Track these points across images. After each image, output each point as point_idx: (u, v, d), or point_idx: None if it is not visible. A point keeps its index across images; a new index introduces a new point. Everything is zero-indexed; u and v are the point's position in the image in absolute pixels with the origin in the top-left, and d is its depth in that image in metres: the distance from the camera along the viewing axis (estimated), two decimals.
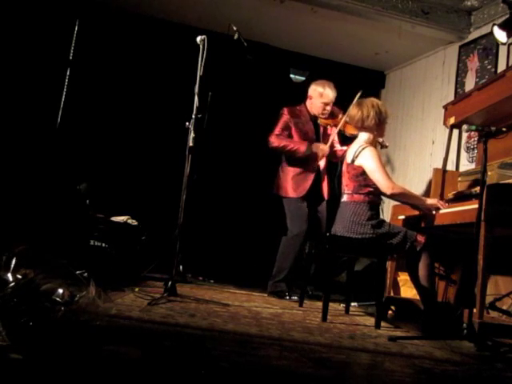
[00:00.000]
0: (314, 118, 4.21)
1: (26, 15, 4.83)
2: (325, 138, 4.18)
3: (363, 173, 3.19)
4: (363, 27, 5.05)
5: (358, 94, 3.87)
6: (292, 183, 4.13)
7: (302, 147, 4.06)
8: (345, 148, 4.04)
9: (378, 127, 3.32)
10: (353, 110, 3.39)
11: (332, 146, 4.15)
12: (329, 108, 4.15)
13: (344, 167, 3.39)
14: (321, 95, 4.14)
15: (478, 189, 2.74)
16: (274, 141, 4.11)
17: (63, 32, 5.05)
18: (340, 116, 4.12)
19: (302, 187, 4.10)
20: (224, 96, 4.89)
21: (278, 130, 4.15)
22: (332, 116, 4.19)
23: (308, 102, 4.23)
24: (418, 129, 5.50)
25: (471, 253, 2.58)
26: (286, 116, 4.18)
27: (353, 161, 3.25)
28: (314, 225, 4.11)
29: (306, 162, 4.13)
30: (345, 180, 3.34)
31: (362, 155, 3.21)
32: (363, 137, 3.32)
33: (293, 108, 4.24)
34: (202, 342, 1.98)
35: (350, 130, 3.99)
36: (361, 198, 3.20)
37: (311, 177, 4.12)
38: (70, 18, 5.11)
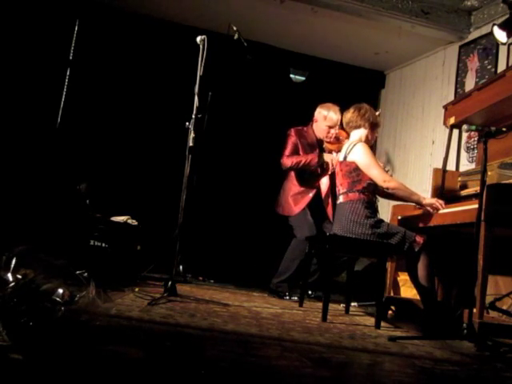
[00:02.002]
0: (319, 143, 4.21)
1: (26, 15, 4.83)
2: (328, 164, 4.14)
3: (356, 168, 3.21)
4: (363, 27, 5.05)
5: (377, 112, 3.96)
6: (291, 201, 4.15)
7: (315, 158, 4.07)
8: None
9: (370, 129, 3.34)
10: (349, 112, 3.39)
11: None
12: (333, 131, 4.15)
13: (337, 168, 3.41)
14: (325, 118, 4.16)
15: (477, 189, 2.74)
16: (287, 162, 4.11)
17: (63, 32, 5.05)
18: (346, 141, 4.11)
19: (300, 205, 4.13)
20: (224, 96, 4.89)
21: (287, 152, 4.14)
22: (338, 141, 4.18)
23: (314, 125, 4.25)
24: (418, 129, 5.51)
25: (471, 253, 2.58)
26: (293, 137, 4.17)
27: (345, 157, 3.28)
28: None
29: (306, 181, 4.16)
30: (338, 180, 3.36)
31: (353, 151, 3.24)
32: (355, 136, 3.35)
33: (299, 129, 4.23)
34: (202, 341, 1.98)
35: None
36: (356, 196, 3.21)
37: (309, 197, 4.14)
38: (70, 18, 5.11)
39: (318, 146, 4.20)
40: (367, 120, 3.34)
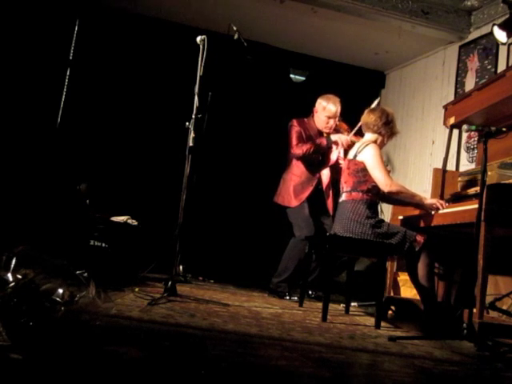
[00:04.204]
0: (320, 134, 4.19)
1: (26, 15, 4.83)
2: (328, 154, 4.14)
3: (364, 169, 3.21)
4: (363, 27, 5.05)
5: (376, 101, 3.97)
6: (292, 192, 4.13)
7: (324, 141, 4.06)
8: None
9: (388, 137, 3.36)
10: (374, 114, 3.35)
11: (337, 162, 4.14)
12: (332, 122, 4.14)
13: (345, 164, 3.40)
14: (324, 109, 4.15)
15: (478, 189, 2.74)
16: (298, 151, 4.07)
17: (63, 32, 5.05)
18: (346, 134, 4.11)
19: (301, 196, 4.11)
20: (224, 96, 4.89)
21: (295, 141, 4.11)
22: (337, 133, 4.17)
23: (314, 116, 4.23)
24: (418, 129, 5.51)
25: (471, 253, 2.58)
26: (296, 127, 4.15)
27: (355, 156, 3.27)
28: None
29: (307, 172, 4.14)
30: (344, 177, 3.35)
31: (364, 151, 3.23)
32: (369, 137, 3.34)
33: (301, 120, 4.21)
34: (202, 341, 1.98)
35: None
36: (359, 196, 3.21)
37: (310, 188, 4.12)
38: (70, 18, 5.11)
39: (319, 137, 4.18)
40: (389, 130, 3.33)
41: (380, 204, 3.40)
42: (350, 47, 5.58)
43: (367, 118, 3.37)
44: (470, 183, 3.43)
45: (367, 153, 3.22)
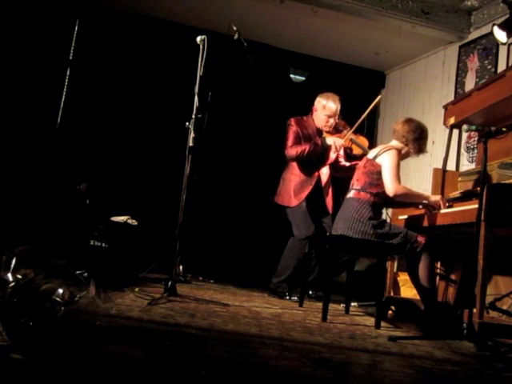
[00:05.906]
0: (319, 132, 4.18)
1: (26, 15, 4.83)
2: (327, 153, 4.10)
3: (379, 172, 3.22)
4: (363, 27, 5.05)
5: (377, 98, 3.98)
6: (292, 192, 4.12)
7: (318, 142, 4.03)
8: (348, 164, 4.06)
9: (413, 152, 3.35)
10: (406, 124, 3.34)
11: (337, 160, 4.13)
12: (332, 121, 4.12)
13: (362, 162, 3.40)
14: (323, 107, 4.12)
15: (478, 189, 2.74)
16: (292, 152, 4.05)
17: (63, 32, 5.05)
18: (345, 132, 4.10)
19: (300, 195, 4.10)
20: (224, 96, 4.89)
21: (290, 142, 4.09)
22: (337, 131, 4.16)
23: (314, 115, 4.21)
24: None
25: (471, 253, 2.58)
26: (293, 127, 4.13)
27: (375, 157, 3.27)
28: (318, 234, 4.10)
29: (306, 171, 4.12)
30: (357, 174, 3.35)
31: (384, 154, 3.24)
32: (393, 143, 3.34)
33: (299, 119, 4.19)
34: (202, 342, 1.98)
35: (354, 149, 4.04)
36: (366, 197, 3.21)
37: (310, 187, 4.11)
38: (70, 18, 5.11)
39: (318, 135, 4.16)
40: (418, 146, 3.32)
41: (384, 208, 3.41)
42: (350, 47, 5.58)
43: (400, 126, 3.35)
44: (470, 183, 3.43)
45: (386, 156, 3.23)
